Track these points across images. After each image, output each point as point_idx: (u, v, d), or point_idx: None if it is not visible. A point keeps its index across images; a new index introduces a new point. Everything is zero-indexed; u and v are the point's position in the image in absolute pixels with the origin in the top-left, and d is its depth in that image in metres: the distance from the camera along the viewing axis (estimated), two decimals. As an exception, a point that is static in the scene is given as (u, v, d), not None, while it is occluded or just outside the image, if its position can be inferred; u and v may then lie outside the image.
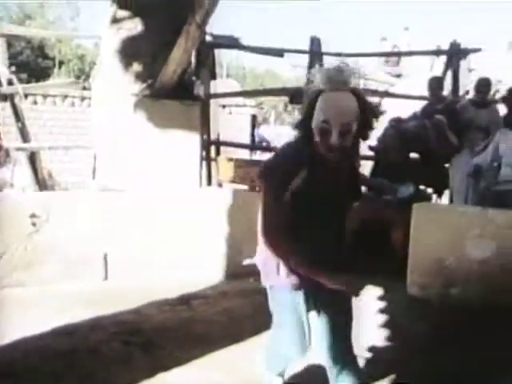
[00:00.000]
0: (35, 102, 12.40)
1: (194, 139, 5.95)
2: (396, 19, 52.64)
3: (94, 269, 5.14)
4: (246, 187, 6.02)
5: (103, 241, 5.19)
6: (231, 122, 14.03)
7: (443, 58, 8.73)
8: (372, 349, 3.77)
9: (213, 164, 7.46)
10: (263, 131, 16.67)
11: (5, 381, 3.25)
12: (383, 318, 4.42)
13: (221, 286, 5.19)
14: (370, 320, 4.30)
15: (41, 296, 4.67)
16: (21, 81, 10.53)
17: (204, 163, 7.11)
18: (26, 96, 9.74)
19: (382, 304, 4.75)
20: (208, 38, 7.20)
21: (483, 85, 6.59)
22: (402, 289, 5.05)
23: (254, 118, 15.81)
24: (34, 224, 4.97)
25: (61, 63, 24.13)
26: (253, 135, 15.08)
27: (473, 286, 4.69)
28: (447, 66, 8.05)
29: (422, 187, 6.56)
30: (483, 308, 4.38)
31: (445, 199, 7.02)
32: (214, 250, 5.38)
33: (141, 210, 5.32)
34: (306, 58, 8.72)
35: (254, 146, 12.98)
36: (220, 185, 6.70)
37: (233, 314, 4.47)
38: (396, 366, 3.54)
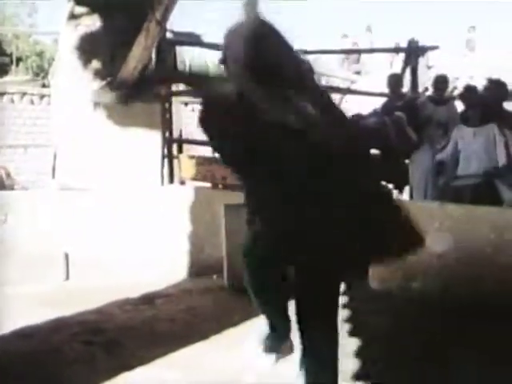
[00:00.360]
0: (-8, 100, 12.17)
1: (155, 137, 5.93)
2: (357, 17, 53.13)
3: (55, 269, 5.09)
4: (208, 185, 6.01)
5: (64, 240, 5.13)
6: (194, 119, 13.96)
7: (402, 56, 8.85)
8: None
9: (175, 162, 7.42)
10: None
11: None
12: (345, 312, 4.47)
13: (184, 283, 5.18)
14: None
15: (1, 297, 4.59)
16: (-25, 78, 10.34)
17: (166, 161, 7.06)
18: (-19, 94, 9.54)
19: (344, 299, 4.80)
20: (169, 35, 7.15)
21: (441, 82, 6.73)
22: (365, 283, 5.11)
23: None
24: (-8, 225, 4.89)
25: (18, 60, 23.61)
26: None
27: (432, 278, 4.78)
28: (406, 63, 8.16)
29: (382, 183, 6.64)
30: (442, 300, 4.47)
31: (405, 195, 7.13)
32: (177, 247, 5.36)
33: (102, 209, 5.28)
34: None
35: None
36: (182, 182, 6.67)
37: (196, 311, 4.46)
38: (360, 360, 3.58)
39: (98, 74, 5.68)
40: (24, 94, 12.77)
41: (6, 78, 18.19)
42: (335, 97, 11.13)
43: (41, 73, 22.59)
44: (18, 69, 23.15)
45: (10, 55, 23.50)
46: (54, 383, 3.24)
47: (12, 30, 19.57)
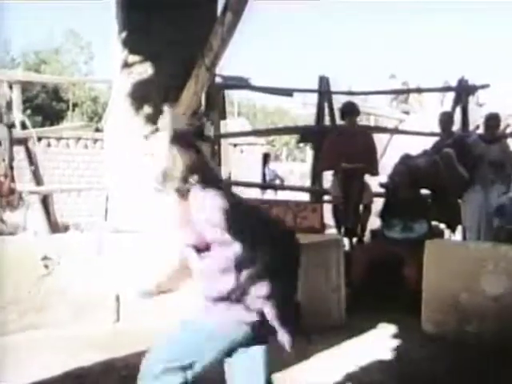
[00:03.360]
0: (49, 145, 12.56)
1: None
2: (404, 56, 53.15)
3: (106, 311, 5.13)
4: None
5: (115, 283, 5.19)
6: (243, 160, 14.11)
7: (452, 94, 8.78)
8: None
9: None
10: (275, 168, 16.72)
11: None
12: (398, 356, 4.36)
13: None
14: (384, 357, 4.26)
15: (53, 339, 4.66)
16: (36, 124, 10.72)
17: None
18: (39, 139, 9.89)
19: (397, 341, 4.69)
20: (218, 80, 7.31)
21: (493, 120, 6.61)
22: (416, 326, 4.98)
23: (265, 155, 15.88)
24: (46, 266, 4.99)
25: (74, 105, 24.52)
26: (264, 173, 15.12)
27: (488, 322, 4.62)
28: (456, 102, 8.09)
29: (434, 223, 6.53)
30: (499, 344, 4.31)
31: (458, 235, 6.98)
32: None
33: (153, 252, 5.32)
34: (315, 96, 8.80)
35: (265, 185, 13.01)
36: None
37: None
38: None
39: (150, 119, 5.81)
40: (79, 138, 13.18)
41: (62, 125, 18.82)
42: (384, 136, 11.13)
43: (95, 117, 23.36)
44: (74, 114, 23.98)
45: (67, 101, 24.41)
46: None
47: (69, 80, 20.31)
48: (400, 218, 6.06)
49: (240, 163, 13.29)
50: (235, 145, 13.92)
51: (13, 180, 6.68)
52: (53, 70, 24.49)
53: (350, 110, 6.93)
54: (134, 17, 5.85)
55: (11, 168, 6.86)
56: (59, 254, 5.04)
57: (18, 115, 8.38)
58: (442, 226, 6.91)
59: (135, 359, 4.19)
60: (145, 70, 5.80)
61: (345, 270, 5.30)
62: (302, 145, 25.79)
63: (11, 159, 7.16)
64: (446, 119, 7.08)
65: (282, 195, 11.29)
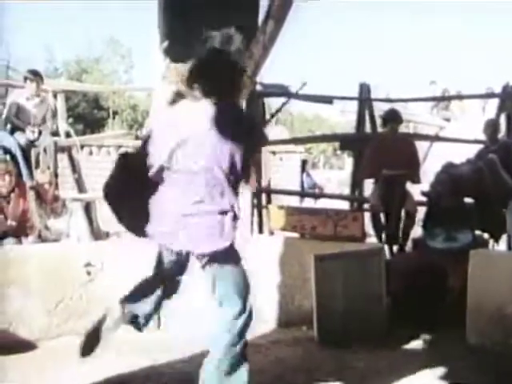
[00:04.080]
0: (91, 153, 12.76)
1: (245, 187, 5.99)
2: (446, 62, 52.46)
3: (147, 318, 5.16)
4: (297, 235, 5.99)
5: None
6: (281, 168, 14.09)
7: (495, 101, 8.63)
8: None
9: (264, 212, 7.49)
10: (313, 176, 16.67)
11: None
12: (442, 368, 4.28)
13: (273, 334, 5.13)
14: (428, 370, 4.19)
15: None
16: (77, 132, 10.91)
17: (255, 211, 7.14)
18: (82, 147, 10.06)
19: (440, 353, 4.61)
20: (258, 87, 7.33)
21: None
22: (461, 338, 4.88)
23: (303, 163, 15.84)
24: (88, 273, 5.06)
25: (114, 113, 24.90)
26: (302, 181, 15.08)
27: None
28: (500, 109, 7.94)
29: (478, 232, 6.41)
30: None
31: (502, 245, 6.83)
32: (266, 297, 5.34)
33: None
34: (355, 103, 8.76)
35: (304, 193, 12.97)
36: (272, 233, 6.70)
37: (286, 363, 4.40)
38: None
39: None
40: (120, 146, 13.32)
41: (103, 133, 19.12)
42: (424, 144, 10.99)
43: (135, 125, 23.68)
44: (114, 122, 24.36)
45: (107, 109, 24.83)
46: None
47: (110, 89, 20.67)
48: (443, 227, 5.97)
49: (279, 171, 13.27)
50: (274, 152, 13.90)
51: (57, 187, 6.82)
52: (94, 79, 24.96)
53: (392, 118, 6.89)
54: (177, 25, 5.91)
55: (56, 176, 7.00)
56: (102, 260, 5.10)
57: (62, 124, 8.56)
58: (486, 235, 6.77)
59: (177, 365, 4.25)
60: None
61: (386, 279, 5.23)
62: (339, 152, 25.73)
63: (56, 167, 7.32)
64: (492, 126, 6.96)
65: (321, 203, 11.25)
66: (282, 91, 8.72)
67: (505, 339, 4.64)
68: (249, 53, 5.02)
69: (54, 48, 27.24)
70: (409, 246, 6.77)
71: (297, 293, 5.39)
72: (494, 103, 8.88)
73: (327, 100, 9.02)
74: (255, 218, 7.34)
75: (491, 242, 6.74)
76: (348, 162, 17.49)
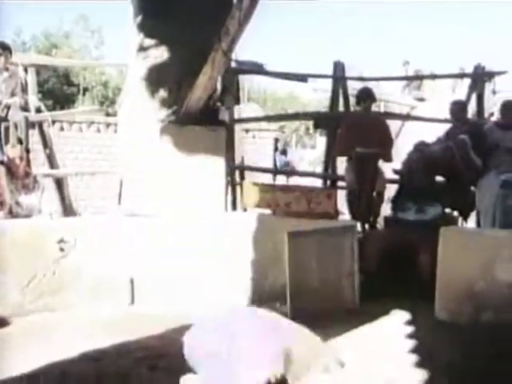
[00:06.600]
0: (62, 129, 12.59)
1: (219, 164, 5.99)
2: (419, 43, 52.64)
3: (121, 294, 5.17)
4: (270, 212, 6.02)
5: (129, 265, 5.23)
6: (254, 146, 14.10)
7: (466, 81, 8.71)
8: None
9: (237, 189, 7.50)
10: (286, 155, 16.74)
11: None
12: (411, 343, 4.36)
13: (247, 311, 5.16)
14: (397, 345, 4.26)
15: (68, 321, 4.71)
16: (46, 108, 10.72)
17: (229, 188, 7.14)
18: (53, 123, 9.91)
19: (410, 329, 4.69)
20: (233, 64, 7.28)
21: (508, 107, 6.56)
22: (430, 313, 4.98)
23: (276, 141, 15.86)
24: (61, 249, 5.03)
25: (85, 90, 24.52)
26: (275, 159, 15.12)
27: (504, 310, 4.61)
28: (471, 88, 8.02)
29: (447, 210, 6.52)
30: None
31: (470, 223, 6.96)
32: (240, 274, 5.37)
33: (166, 235, 5.35)
34: (328, 81, 8.76)
35: (278, 171, 13.00)
36: (245, 209, 6.72)
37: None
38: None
39: (165, 103, 5.82)
40: (91, 122, 13.18)
41: (75, 109, 18.83)
42: (396, 123, 11.06)
43: (105, 102, 23.37)
44: (85, 98, 24.01)
45: (78, 86, 24.44)
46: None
47: (81, 64, 20.31)
48: (414, 201, 6.08)
49: (252, 149, 13.27)
50: (247, 130, 13.89)
51: (28, 163, 6.71)
52: (63, 54, 24.48)
53: (366, 96, 6.93)
54: (151, 0, 5.84)
55: (27, 151, 6.88)
56: (75, 236, 5.07)
57: (32, 98, 8.41)
58: (455, 213, 6.89)
59: (150, 341, 4.26)
60: (160, 54, 5.81)
61: (358, 255, 5.30)
62: (312, 131, 25.77)
63: (27, 142, 7.19)
64: (459, 108, 7.03)
65: (294, 182, 11.30)
66: (257, 69, 8.68)
67: (473, 315, 4.74)
68: (224, 29, 4.99)
69: (22, 22, 26.63)
70: (381, 223, 6.86)
71: (270, 269, 5.41)
72: (464, 84, 8.96)
73: (302, 78, 9.01)
74: (229, 195, 7.33)
75: (460, 220, 6.87)
76: (320, 141, 17.55)
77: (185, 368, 3.75)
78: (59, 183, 8.06)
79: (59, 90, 24.02)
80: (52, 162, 8.44)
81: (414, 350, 4.19)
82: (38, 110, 8.64)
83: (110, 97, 24.11)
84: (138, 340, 4.27)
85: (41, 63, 9.85)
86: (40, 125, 8.50)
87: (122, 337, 4.28)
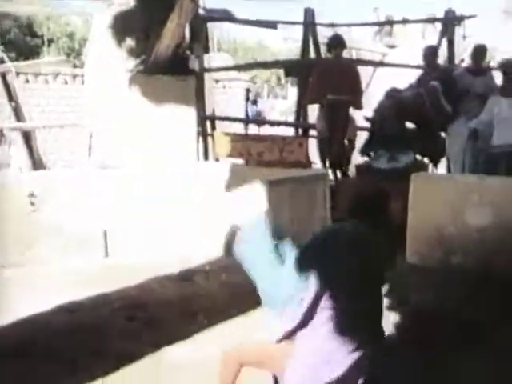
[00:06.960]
0: (27, 81, 12.25)
1: (189, 114, 5.92)
2: (388, -12, 51.97)
3: (95, 246, 5.15)
4: (242, 161, 6.01)
5: (102, 218, 5.19)
6: (225, 96, 13.93)
7: (434, 27, 8.66)
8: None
9: (209, 139, 7.45)
10: (257, 105, 16.63)
11: (11, 358, 3.27)
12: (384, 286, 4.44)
13: (222, 260, 5.19)
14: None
15: (41, 275, 4.67)
16: (10, 60, 10.40)
17: (200, 138, 7.08)
18: (17, 75, 9.62)
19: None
20: (201, 12, 7.12)
21: (479, 52, 6.56)
22: (402, 258, 5.06)
23: (247, 91, 15.69)
24: (32, 203, 4.96)
25: (50, 41, 23.77)
26: (247, 110, 15.00)
27: (473, 253, 4.71)
28: (442, 33, 7.98)
29: (418, 157, 6.57)
30: (483, 275, 4.41)
31: (440, 169, 7.04)
32: (213, 223, 5.37)
33: (139, 186, 5.31)
34: (298, 30, 8.64)
35: (249, 120, 12.91)
36: (217, 159, 6.69)
37: (235, 288, 4.47)
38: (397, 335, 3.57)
39: (133, 53, 5.69)
40: (58, 74, 12.84)
41: (41, 60, 18.29)
42: (367, 70, 11.00)
43: (72, 53, 22.74)
44: (50, 50, 23.32)
45: (42, 37, 23.67)
46: (97, 358, 3.31)
47: (44, 11, 19.63)
48: (386, 149, 6.11)
49: (223, 99, 13.12)
50: (217, 81, 13.69)
51: (-7, 116, 6.55)
52: (25, 2, 23.60)
53: (336, 43, 6.85)
54: None
55: (-9, 104, 6.71)
56: (45, 190, 5.00)
57: (-6, 49, 8.15)
58: (426, 160, 6.95)
59: (126, 292, 4.27)
60: (126, 1, 5.64)
61: (330, 203, 5.34)
62: (283, 82, 25.55)
63: (-10, 94, 7.01)
64: (431, 53, 7.01)
65: (265, 131, 11.25)
66: (226, 16, 8.51)
67: (444, 259, 4.84)
68: (191, -26, 4.86)
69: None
70: (353, 171, 6.90)
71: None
72: (433, 29, 8.90)
73: (271, 25, 8.87)
74: (200, 145, 7.28)
75: (430, 166, 6.94)
76: (292, 91, 17.44)
77: (161, 318, 3.79)
78: (27, 137, 7.88)
79: (22, 41, 23.22)
80: (18, 115, 8.24)
81: (387, 294, 4.27)
82: (1, 61, 8.39)
83: (76, 48, 23.42)
84: (114, 291, 4.27)
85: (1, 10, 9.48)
86: (3, 76, 8.26)
87: (98, 289, 4.27)
